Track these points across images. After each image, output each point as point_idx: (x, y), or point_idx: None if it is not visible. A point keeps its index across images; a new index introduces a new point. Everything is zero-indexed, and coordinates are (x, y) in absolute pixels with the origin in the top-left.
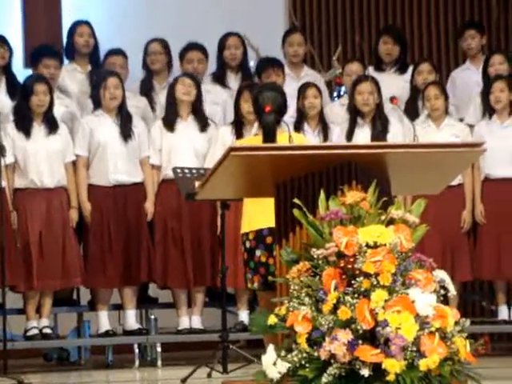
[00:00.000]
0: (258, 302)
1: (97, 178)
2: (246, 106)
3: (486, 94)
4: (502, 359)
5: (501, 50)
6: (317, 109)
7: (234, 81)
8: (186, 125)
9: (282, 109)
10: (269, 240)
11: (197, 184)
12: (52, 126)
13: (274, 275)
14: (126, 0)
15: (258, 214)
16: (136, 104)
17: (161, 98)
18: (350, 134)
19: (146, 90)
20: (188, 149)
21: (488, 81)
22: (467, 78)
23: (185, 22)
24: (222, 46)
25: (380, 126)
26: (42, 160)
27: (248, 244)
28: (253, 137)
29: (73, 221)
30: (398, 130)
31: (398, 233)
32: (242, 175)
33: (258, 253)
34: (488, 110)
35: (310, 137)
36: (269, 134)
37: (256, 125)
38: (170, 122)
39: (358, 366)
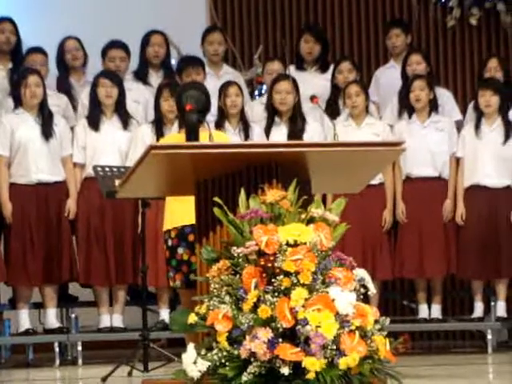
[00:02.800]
0: (180, 300)
1: (18, 177)
2: (166, 105)
3: (403, 93)
4: (421, 357)
5: (420, 50)
6: (238, 107)
7: (155, 79)
8: (111, 124)
9: (204, 108)
10: (191, 238)
11: (117, 182)
12: None
13: (196, 273)
14: None
15: (181, 211)
16: (56, 102)
17: (80, 95)
18: (266, 133)
19: (65, 87)
20: (112, 147)
21: (406, 80)
22: (391, 76)
23: (106, 20)
24: (145, 43)
25: (297, 125)
26: None
27: (170, 242)
28: (176, 134)
29: None
30: (316, 130)
31: (318, 231)
32: (163, 173)
33: (180, 251)
34: (407, 110)
35: (231, 135)
36: (191, 133)
37: (176, 123)
38: (94, 121)
39: (278, 364)
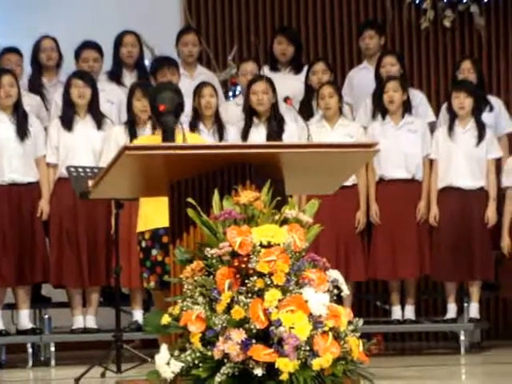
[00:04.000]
0: (154, 301)
1: None
2: (139, 105)
3: (377, 95)
4: (394, 358)
5: (394, 51)
6: (212, 108)
7: (129, 79)
8: (84, 124)
9: (178, 109)
10: (165, 239)
11: (90, 183)
12: None
13: (170, 274)
14: None
15: (155, 213)
16: (29, 102)
17: (53, 95)
18: (245, 134)
19: (37, 87)
20: (85, 147)
21: (380, 82)
22: (364, 77)
23: (80, 20)
24: (118, 43)
25: (275, 125)
26: None
27: (144, 243)
28: (151, 135)
29: None
30: (294, 130)
31: (291, 232)
32: (137, 174)
33: (154, 252)
34: (381, 111)
35: (205, 136)
36: (168, 135)
37: (149, 124)
38: (67, 121)
39: (251, 365)
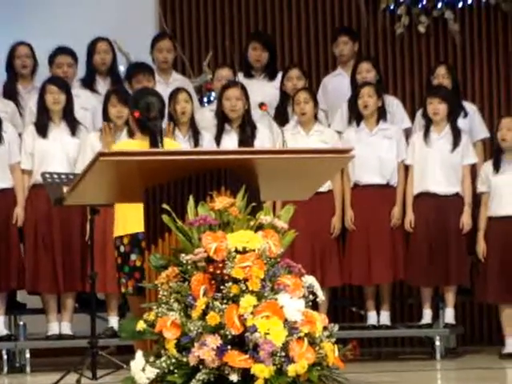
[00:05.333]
0: (130, 307)
1: None
2: (114, 111)
3: (353, 101)
4: (370, 364)
5: (369, 58)
6: (188, 114)
7: (103, 86)
8: (59, 131)
9: (162, 114)
10: (144, 244)
11: (65, 189)
12: None
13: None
14: None
15: (134, 217)
16: (4, 109)
17: (27, 102)
18: (217, 140)
19: (11, 94)
20: (60, 154)
21: (355, 88)
22: (339, 83)
23: (55, 26)
24: (91, 50)
25: (248, 132)
26: None
27: (123, 248)
28: (131, 141)
29: None
30: (266, 137)
31: (266, 238)
32: (112, 180)
33: (132, 257)
34: (356, 117)
35: (180, 142)
36: (156, 140)
37: (125, 130)
38: (42, 128)
39: (226, 371)
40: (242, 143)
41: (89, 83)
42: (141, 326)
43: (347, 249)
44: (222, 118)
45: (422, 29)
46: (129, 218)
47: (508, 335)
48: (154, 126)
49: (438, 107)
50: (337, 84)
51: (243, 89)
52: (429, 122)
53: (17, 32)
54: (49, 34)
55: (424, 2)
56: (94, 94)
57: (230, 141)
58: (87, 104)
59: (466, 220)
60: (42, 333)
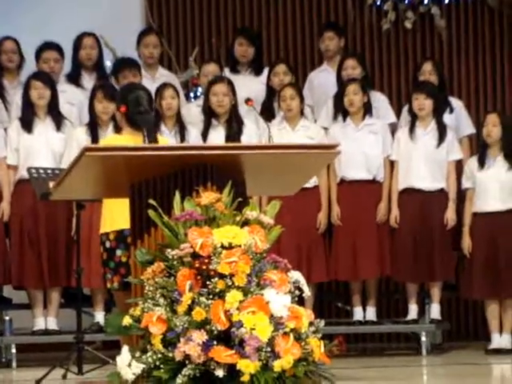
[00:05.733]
0: (116, 302)
1: None
2: (100, 106)
3: (338, 97)
4: (356, 359)
5: (355, 54)
6: (174, 109)
7: (88, 81)
8: (44, 126)
9: (151, 108)
10: (130, 240)
11: (51, 184)
12: None
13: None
14: None
15: (120, 214)
16: None
17: (13, 97)
18: (204, 135)
19: None
20: (45, 149)
21: (341, 84)
22: (324, 79)
23: (41, 21)
24: (77, 46)
25: (234, 127)
26: None
27: (108, 244)
28: (118, 136)
29: None
30: (253, 132)
31: (252, 234)
32: (98, 175)
33: (118, 253)
34: (342, 113)
35: (167, 137)
36: (150, 134)
37: (111, 125)
38: (27, 123)
39: (212, 366)
40: (229, 139)
41: (75, 78)
42: (127, 321)
43: (333, 244)
44: (209, 114)
45: (408, 24)
46: (115, 215)
47: (493, 331)
48: (148, 119)
49: (423, 103)
50: (323, 79)
51: (230, 84)
52: (414, 118)
53: (4, 27)
54: (36, 29)
55: None
56: (80, 89)
57: (217, 136)
58: (73, 99)
59: (450, 216)
60: (27, 328)
